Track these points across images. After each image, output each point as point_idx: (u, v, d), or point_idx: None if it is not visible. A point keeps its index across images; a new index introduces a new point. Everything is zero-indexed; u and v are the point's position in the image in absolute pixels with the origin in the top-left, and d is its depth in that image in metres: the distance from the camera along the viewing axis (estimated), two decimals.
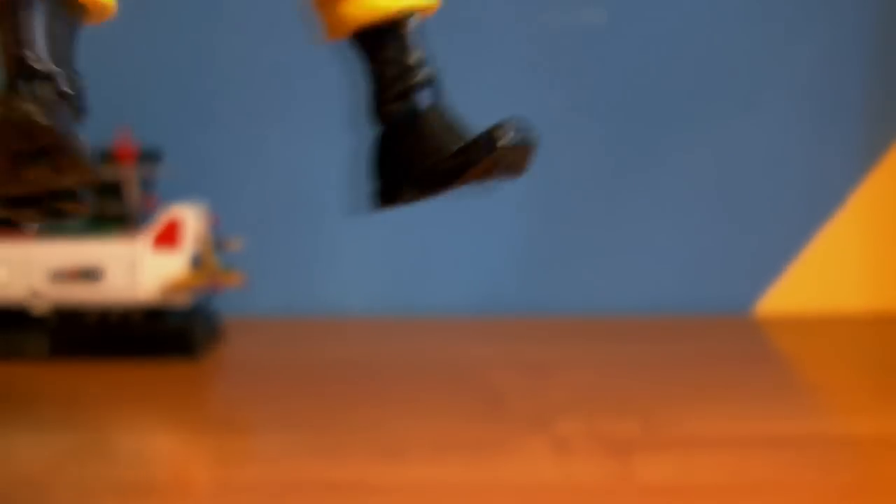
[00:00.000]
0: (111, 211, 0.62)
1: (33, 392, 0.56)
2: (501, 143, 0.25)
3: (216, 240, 0.62)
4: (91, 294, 0.60)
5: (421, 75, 0.28)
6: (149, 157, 0.62)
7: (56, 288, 0.60)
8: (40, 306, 0.60)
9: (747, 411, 0.51)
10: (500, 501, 0.42)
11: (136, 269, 0.60)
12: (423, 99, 0.27)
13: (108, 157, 0.60)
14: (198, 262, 0.61)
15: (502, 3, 0.68)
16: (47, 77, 0.24)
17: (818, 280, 0.70)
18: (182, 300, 0.60)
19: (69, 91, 0.24)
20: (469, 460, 0.45)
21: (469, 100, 0.69)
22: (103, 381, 0.57)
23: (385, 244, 0.69)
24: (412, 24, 0.28)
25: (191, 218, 0.61)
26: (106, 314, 0.61)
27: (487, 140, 0.25)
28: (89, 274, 0.60)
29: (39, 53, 0.24)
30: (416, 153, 0.25)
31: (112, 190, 0.61)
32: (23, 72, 0.24)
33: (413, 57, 0.27)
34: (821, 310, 0.70)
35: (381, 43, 0.27)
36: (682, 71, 0.68)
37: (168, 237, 0.60)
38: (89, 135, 0.25)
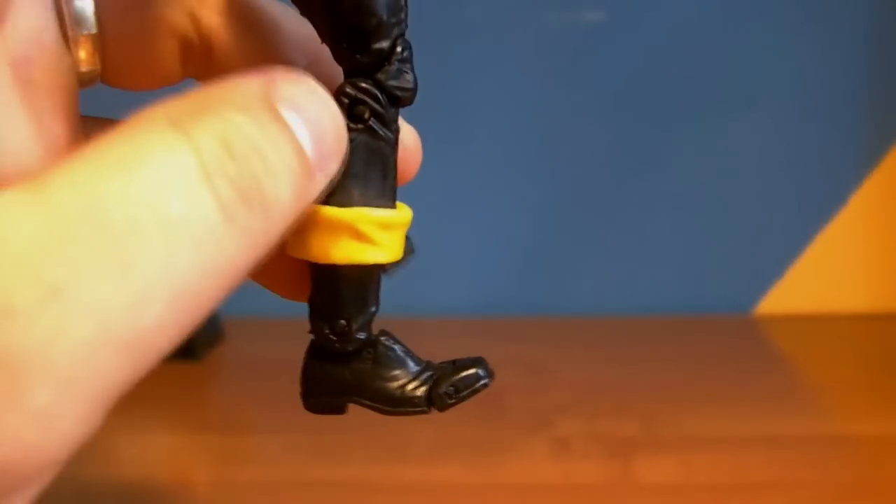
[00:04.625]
0: None
1: None
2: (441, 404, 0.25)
3: None
4: None
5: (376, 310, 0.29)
6: None
7: None
8: None
9: (747, 411, 0.51)
10: (500, 501, 0.42)
11: None
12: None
13: None
14: None
15: (502, 3, 0.68)
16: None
17: (818, 280, 0.70)
18: None
19: None
20: (469, 460, 0.46)
21: (469, 100, 0.69)
22: None
23: None
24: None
25: None
26: None
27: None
28: None
29: None
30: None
31: None
32: None
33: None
34: (821, 310, 0.70)
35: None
36: (682, 71, 0.68)
37: None
38: None
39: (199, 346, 0.60)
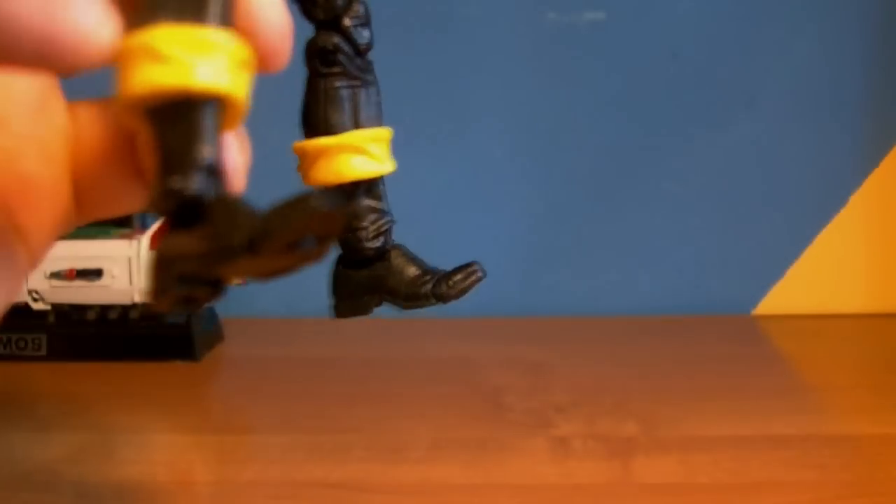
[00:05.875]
0: None
1: (32, 392, 0.56)
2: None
3: None
4: (90, 294, 0.60)
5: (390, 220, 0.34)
6: None
7: (55, 288, 0.60)
8: (39, 306, 0.60)
9: (747, 411, 0.51)
10: (500, 501, 0.42)
11: (136, 268, 0.59)
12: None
13: None
14: None
15: (502, 3, 0.68)
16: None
17: (818, 280, 0.70)
18: None
19: None
20: (469, 460, 0.45)
21: (469, 100, 0.69)
22: (103, 381, 0.57)
23: None
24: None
25: None
26: (105, 314, 0.61)
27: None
28: (88, 274, 0.59)
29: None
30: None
31: None
32: None
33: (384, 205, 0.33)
34: (821, 310, 0.70)
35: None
36: (682, 71, 0.68)
37: None
38: None
39: (198, 346, 0.60)
